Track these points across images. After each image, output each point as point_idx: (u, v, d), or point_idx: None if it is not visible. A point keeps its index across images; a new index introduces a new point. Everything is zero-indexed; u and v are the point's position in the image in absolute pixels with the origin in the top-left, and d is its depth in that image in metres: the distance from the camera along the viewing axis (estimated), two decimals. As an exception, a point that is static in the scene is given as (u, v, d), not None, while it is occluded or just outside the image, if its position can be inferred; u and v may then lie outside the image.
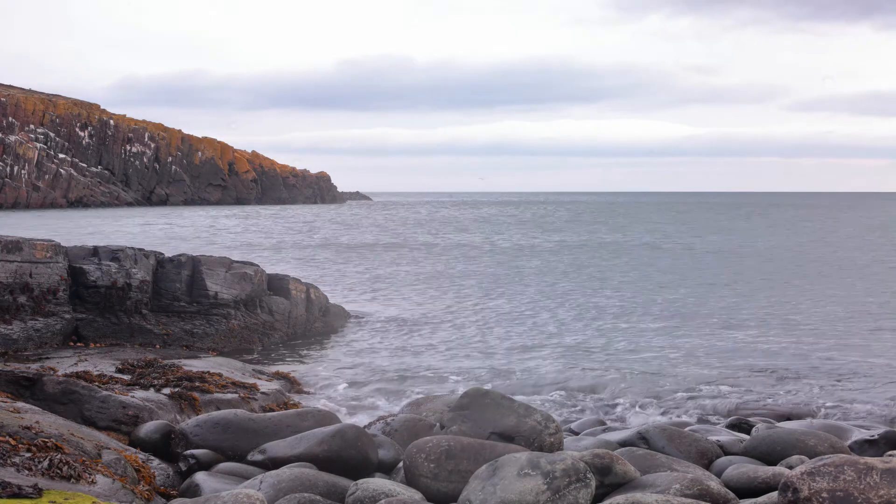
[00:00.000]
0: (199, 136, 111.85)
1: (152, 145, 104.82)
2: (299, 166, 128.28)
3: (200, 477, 7.04)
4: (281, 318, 15.64)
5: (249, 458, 7.70)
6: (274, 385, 11.25)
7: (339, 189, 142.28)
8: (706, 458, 8.01)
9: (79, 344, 13.23)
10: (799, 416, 10.73)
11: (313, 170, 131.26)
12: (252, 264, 15.87)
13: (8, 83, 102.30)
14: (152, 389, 9.79)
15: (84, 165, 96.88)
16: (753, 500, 6.39)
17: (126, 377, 10.41)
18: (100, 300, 13.77)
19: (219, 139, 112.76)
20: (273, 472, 6.77)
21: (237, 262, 15.70)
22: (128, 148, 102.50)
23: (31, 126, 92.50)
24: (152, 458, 7.76)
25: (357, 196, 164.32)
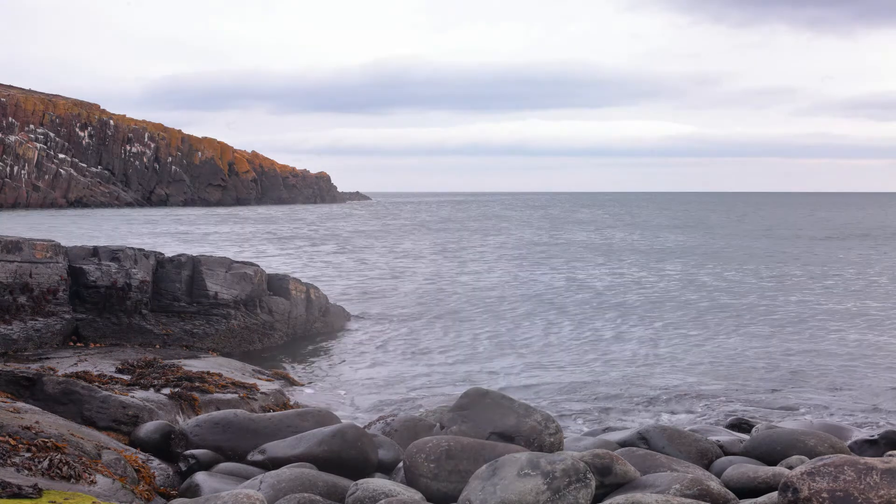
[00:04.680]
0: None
1: (152, 145, 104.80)
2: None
3: (200, 477, 7.03)
4: (281, 318, 15.64)
5: (249, 458, 7.70)
6: (274, 385, 11.25)
7: (339, 189, 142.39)
8: (706, 458, 8.01)
9: (79, 344, 13.23)
10: (799, 417, 10.73)
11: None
12: (252, 264, 15.86)
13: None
14: (152, 389, 9.78)
15: (84, 165, 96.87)
16: (753, 500, 6.38)
17: (126, 377, 10.40)
18: (100, 300, 13.77)
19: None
20: (273, 472, 6.76)
21: (237, 262, 15.70)
22: (128, 148, 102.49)
23: (31, 126, 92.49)
24: (152, 458, 7.75)
25: (357, 196, 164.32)
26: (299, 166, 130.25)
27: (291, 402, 10.77)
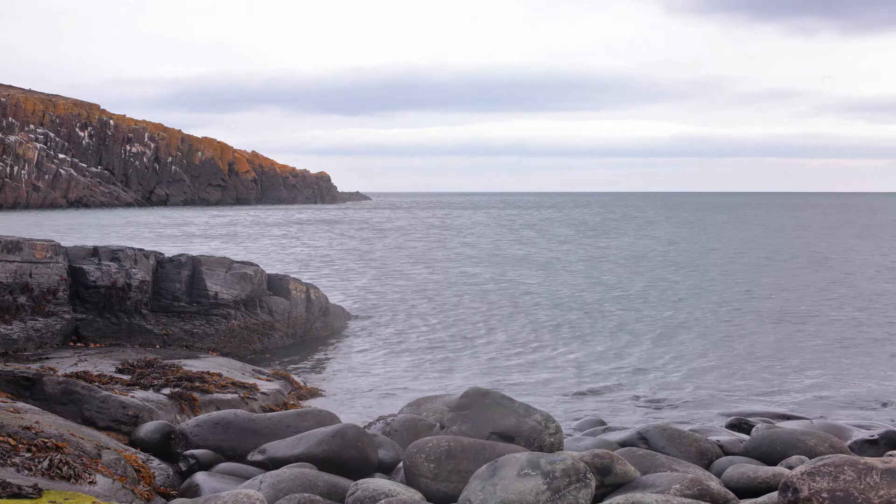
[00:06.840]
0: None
1: (152, 145, 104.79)
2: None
3: (200, 477, 7.03)
4: (281, 318, 15.63)
5: (249, 458, 7.70)
6: (274, 385, 11.24)
7: (340, 189, 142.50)
8: (706, 458, 8.01)
9: (79, 344, 13.22)
10: (799, 417, 10.72)
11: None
12: (252, 264, 15.86)
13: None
14: (152, 389, 9.78)
15: (84, 165, 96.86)
16: (753, 500, 6.38)
17: (126, 377, 10.40)
18: (100, 300, 13.76)
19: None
20: (273, 472, 6.76)
21: (237, 262, 15.70)
22: (128, 148, 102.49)
23: (31, 126, 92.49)
24: (152, 458, 7.76)
25: (357, 196, 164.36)
26: (301, 167, 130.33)
27: (291, 402, 10.76)
